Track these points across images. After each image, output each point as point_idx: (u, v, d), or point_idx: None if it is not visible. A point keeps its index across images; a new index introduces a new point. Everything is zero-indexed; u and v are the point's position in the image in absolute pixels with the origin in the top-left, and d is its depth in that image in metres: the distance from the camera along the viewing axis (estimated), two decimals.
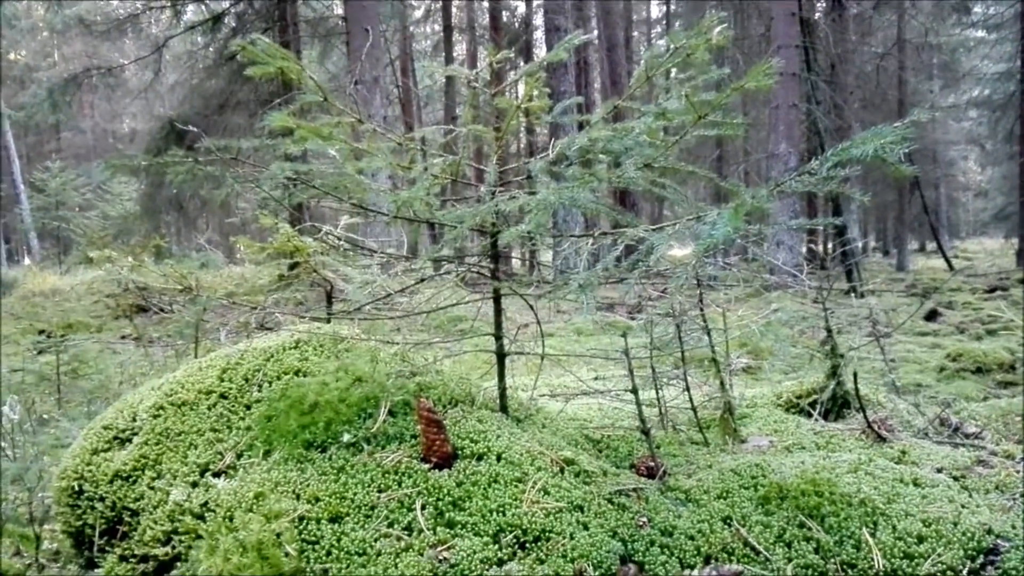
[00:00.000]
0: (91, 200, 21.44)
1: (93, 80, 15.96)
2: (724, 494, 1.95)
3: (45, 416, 4.27)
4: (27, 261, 18.43)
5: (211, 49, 15.28)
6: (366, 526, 1.71)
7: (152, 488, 1.94)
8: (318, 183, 2.42)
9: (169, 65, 17.24)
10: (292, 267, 2.97)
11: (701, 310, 2.69)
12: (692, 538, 1.78)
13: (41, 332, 9.13)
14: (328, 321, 2.71)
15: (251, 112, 14.51)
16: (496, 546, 1.67)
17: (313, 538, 1.68)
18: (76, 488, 2.02)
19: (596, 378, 3.68)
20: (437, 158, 2.48)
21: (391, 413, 2.08)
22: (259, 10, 14.51)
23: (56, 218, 20.00)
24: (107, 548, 1.95)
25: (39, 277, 14.19)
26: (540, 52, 25.04)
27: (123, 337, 9.21)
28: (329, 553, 1.64)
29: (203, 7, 15.33)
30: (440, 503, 1.79)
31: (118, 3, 18.79)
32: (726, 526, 1.82)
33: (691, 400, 2.64)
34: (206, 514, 1.80)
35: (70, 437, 3.37)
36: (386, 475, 1.86)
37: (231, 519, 1.74)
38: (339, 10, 16.55)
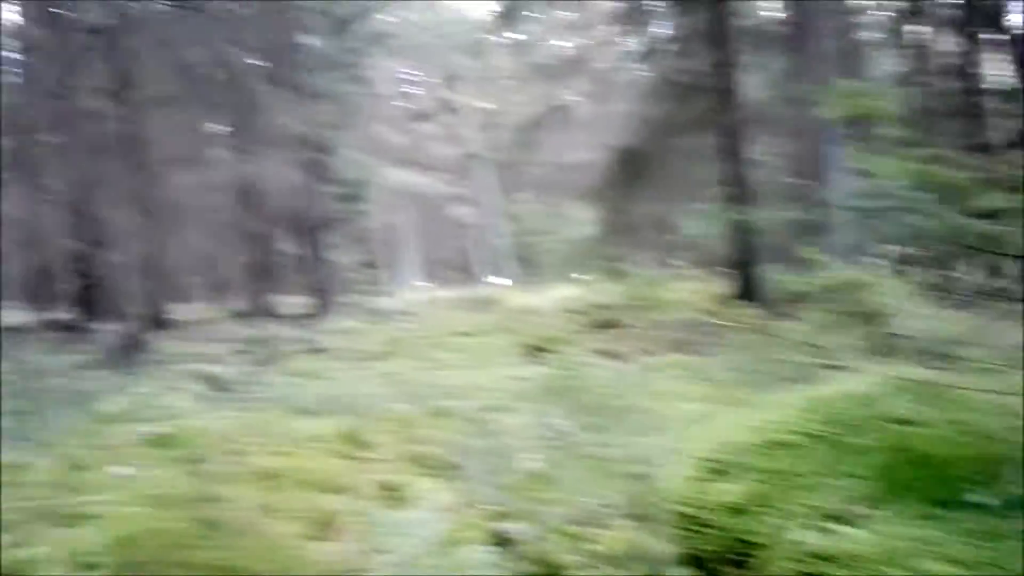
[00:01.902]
0: (549, 226, 24.57)
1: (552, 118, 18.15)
2: None
3: (575, 427, 4.86)
4: (504, 281, 22.04)
5: (651, 76, 16.13)
6: None
7: (764, 524, 2.07)
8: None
9: (610, 95, 18.74)
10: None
11: None
12: None
13: (525, 345, 10.51)
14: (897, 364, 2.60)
15: (685, 133, 14.90)
16: None
17: None
18: (691, 514, 2.25)
19: None
20: None
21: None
22: (699, 30, 14.87)
23: (525, 245, 23.56)
24: (720, 571, 2.13)
25: (516, 294, 16.58)
26: None
27: (595, 351, 10.19)
28: None
29: (644, 38, 16.33)
30: None
31: (567, 44, 21.11)
32: None
33: None
34: (834, 559, 1.85)
35: (611, 447, 3.74)
36: None
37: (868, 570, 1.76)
38: (778, 15, 16.11)
